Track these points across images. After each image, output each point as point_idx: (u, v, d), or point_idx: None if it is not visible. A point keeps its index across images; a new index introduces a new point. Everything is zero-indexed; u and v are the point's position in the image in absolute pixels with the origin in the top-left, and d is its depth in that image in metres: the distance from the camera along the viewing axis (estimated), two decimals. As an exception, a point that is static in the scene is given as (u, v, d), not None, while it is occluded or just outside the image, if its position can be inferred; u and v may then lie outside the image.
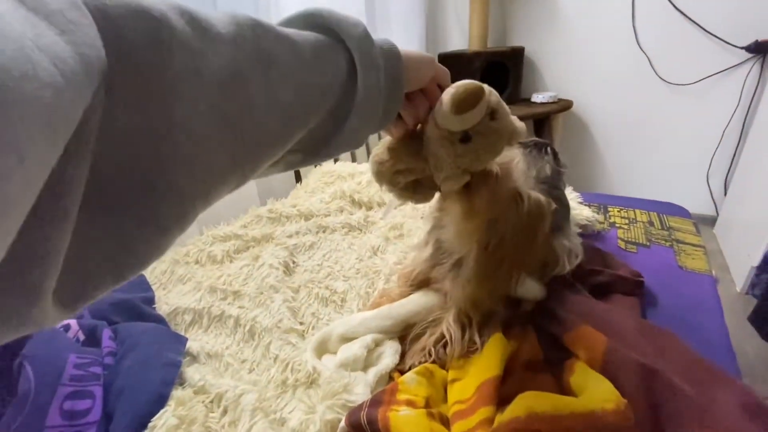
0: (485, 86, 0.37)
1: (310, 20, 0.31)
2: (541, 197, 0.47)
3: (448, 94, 0.36)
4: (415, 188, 0.45)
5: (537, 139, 0.67)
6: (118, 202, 0.20)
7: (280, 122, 0.27)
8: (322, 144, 0.33)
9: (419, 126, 0.43)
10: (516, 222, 0.46)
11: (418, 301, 0.60)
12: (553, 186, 0.64)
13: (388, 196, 0.76)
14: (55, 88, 0.14)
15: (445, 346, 0.54)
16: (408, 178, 0.43)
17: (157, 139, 0.21)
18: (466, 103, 0.36)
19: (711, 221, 1.69)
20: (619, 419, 0.35)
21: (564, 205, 0.65)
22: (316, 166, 1.29)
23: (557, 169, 0.65)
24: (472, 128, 0.37)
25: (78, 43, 0.16)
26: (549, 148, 0.67)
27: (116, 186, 0.20)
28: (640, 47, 1.64)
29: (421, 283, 0.63)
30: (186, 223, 0.24)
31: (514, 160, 0.50)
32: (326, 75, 0.30)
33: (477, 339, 0.52)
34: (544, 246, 0.50)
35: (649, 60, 1.64)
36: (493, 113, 0.38)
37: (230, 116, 0.24)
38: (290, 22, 0.31)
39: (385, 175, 0.43)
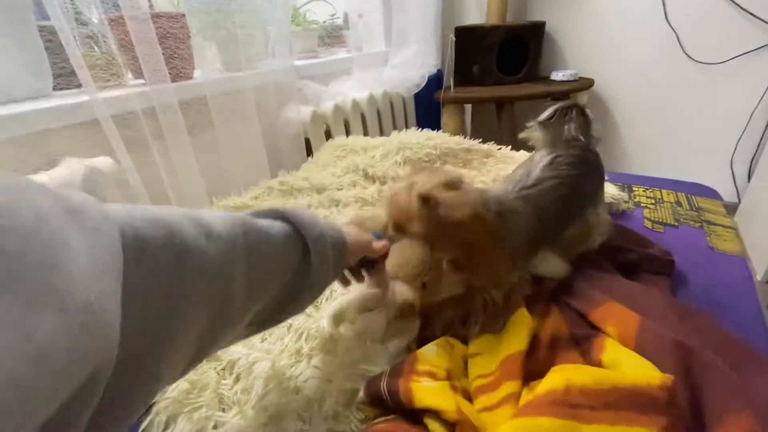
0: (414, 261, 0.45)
1: (279, 215, 0.39)
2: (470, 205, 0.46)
3: (389, 268, 0.46)
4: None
5: (561, 103, 0.62)
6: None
7: (248, 300, 0.33)
8: (276, 313, 0.39)
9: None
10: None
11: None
12: (585, 148, 0.59)
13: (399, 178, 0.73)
14: None
15: (466, 323, 0.51)
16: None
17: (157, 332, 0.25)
18: (405, 277, 0.45)
19: (732, 208, 1.64)
20: (665, 395, 0.32)
21: (596, 169, 0.60)
22: (327, 140, 1.26)
23: (586, 130, 0.60)
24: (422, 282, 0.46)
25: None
26: (574, 111, 0.62)
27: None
28: (669, 23, 1.56)
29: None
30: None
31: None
32: (287, 261, 0.38)
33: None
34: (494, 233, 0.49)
35: (678, 37, 1.56)
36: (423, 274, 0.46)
37: (215, 302, 0.29)
38: (265, 214, 0.39)
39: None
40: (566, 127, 0.61)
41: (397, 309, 0.51)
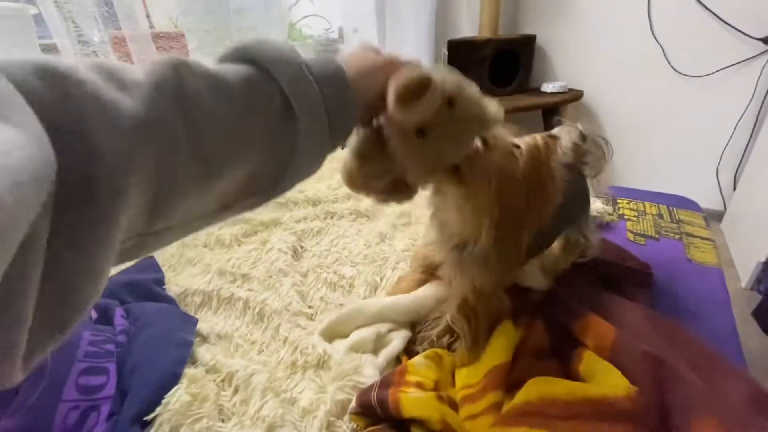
0: (436, 73, 0.33)
1: (239, 54, 0.29)
2: (539, 138, 0.41)
3: (391, 86, 0.32)
4: (393, 189, 0.40)
5: (576, 127, 0.63)
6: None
7: (205, 168, 0.26)
8: (274, 184, 0.32)
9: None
10: (518, 183, 0.40)
11: (430, 292, 0.60)
12: (571, 170, 0.59)
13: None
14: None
15: (452, 339, 0.53)
16: (383, 179, 0.38)
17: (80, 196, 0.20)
18: (409, 94, 0.32)
19: (718, 216, 1.68)
20: (631, 406, 0.35)
21: (580, 191, 0.62)
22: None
23: (580, 152, 0.62)
24: (427, 121, 0.33)
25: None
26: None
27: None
28: (655, 37, 1.61)
29: (431, 265, 0.63)
30: (98, 279, 0.23)
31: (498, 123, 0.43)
32: (258, 116, 0.28)
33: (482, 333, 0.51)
34: (558, 189, 0.43)
35: (663, 50, 1.61)
36: (451, 101, 0.33)
37: (150, 163, 0.23)
38: (225, 57, 0.30)
39: (358, 181, 0.38)
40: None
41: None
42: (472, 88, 0.36)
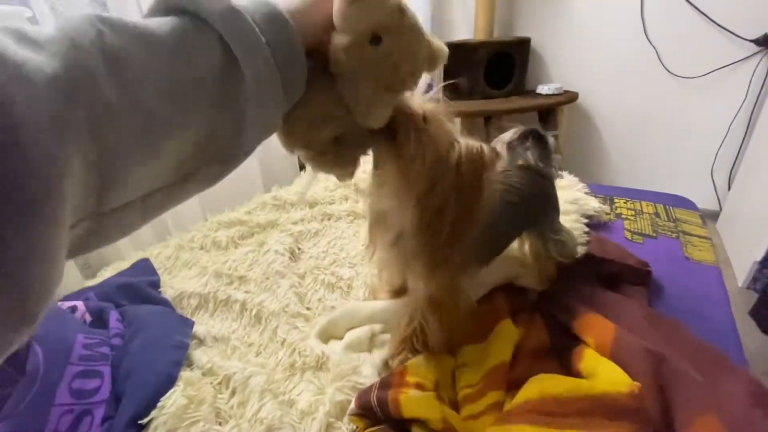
0: None
1: (165, 5, 0.27)
2: (481, 145, 0.41)
3: None
4: (336, 150, 0.37)
5: (523, 128, 0.63)
6: None
7: (146, 126, 0.24)
8: (233, 145, 0.29)
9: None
10: (452, 172, 0.40)
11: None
12: (537, 173, 0.60)
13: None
14: None
15: (423, 336, 0.51)
16: (325, 131, 0.35)
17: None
18: None
19: (714, 216, 1.69)
20: (633, 402, 0.35)
21: (544, 194, 0.61)
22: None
23: (541, 157, 0.61)
24: (379, 25, 0.31)
25: None
26: (532, 135, 0.62)
27: None
28: (648, 39, 1.62)
29: (393, 287, 0.61)
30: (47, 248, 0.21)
31: (441, 109, 0.43)
32: (195, 66, 0.25)
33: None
34: (487, 202, 0.42)
35: (657, 52, 1.62)
36: (401, 10, 0.32)
37: (80, 123, 0.21)
38: (151, 10, 0.27)
39: (297, 132, 0.35)
40: (527, 152, 0.61)
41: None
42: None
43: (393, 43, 0.32)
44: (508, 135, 0.62)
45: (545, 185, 0.61)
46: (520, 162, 0.60)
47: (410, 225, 0.41)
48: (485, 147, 0.41)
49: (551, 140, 0.62)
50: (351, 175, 0.40)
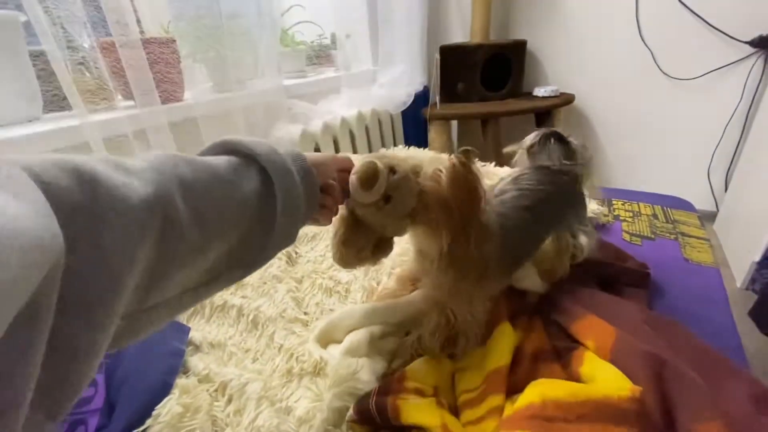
0: (378, 157, 0.45)
1: (221, 147, 0.37)
2: (452, 159, 0.45)
3: (352, 181, 0.44)
4: (377, 250, 0.51)
5: (544, 129, 0.65)
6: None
7: (201, 235, 0.30)
8: (258, 253, 0.37)
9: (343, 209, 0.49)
10: (446, 200, 0.45)
11: (418, 296, 0.59)
12: (557, 172, 0.60)
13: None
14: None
15: (448, 339, 0.52)
16: (368, 249, 0.50)
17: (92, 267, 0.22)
18: (369, 180, 0.43)
19: (711, 217, 1.69)
20: (635, 406, 0.34)
21: (565, 191, 0.61)
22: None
23: (565, 157, 0.61)
24: (388, 191, 0.44)
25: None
26: (553, 138, 0.63)
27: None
28: (644, 41, 1.63)
29: (416, 281, 0.62)
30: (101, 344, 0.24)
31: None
32: (242, 189, 0.34)
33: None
34: (483, 191, 0.47)
35: (653, 54, 1.63)
36: (393, 169, 0.45)
37: (157, 234, 0.26)
38: (205, 150, 0.37)
39: (352, 261, 0.50)
40: (549, 154, 0.62)
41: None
42: (402, 153, 0.44)
43: (398, 195, 0.45)
44: (529, 139, 0.63)
45: (565, 182, 0.60)
46: (538, 163, 0.61)
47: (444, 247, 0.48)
48: (454, 159, 0.45)
49: (573, 140, 0.63)
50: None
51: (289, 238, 0.39)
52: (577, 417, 0.34)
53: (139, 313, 0.27)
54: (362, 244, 0.49)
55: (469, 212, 0.45)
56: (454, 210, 0.45)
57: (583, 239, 0.62)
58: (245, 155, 0.36)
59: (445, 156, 0.48)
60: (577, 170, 0.62)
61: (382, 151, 0.48)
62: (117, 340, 0.26)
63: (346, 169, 0.46)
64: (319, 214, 0.45)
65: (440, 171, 0.45)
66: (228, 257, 0.34)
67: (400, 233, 0.50)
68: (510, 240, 0.52)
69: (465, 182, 0.44)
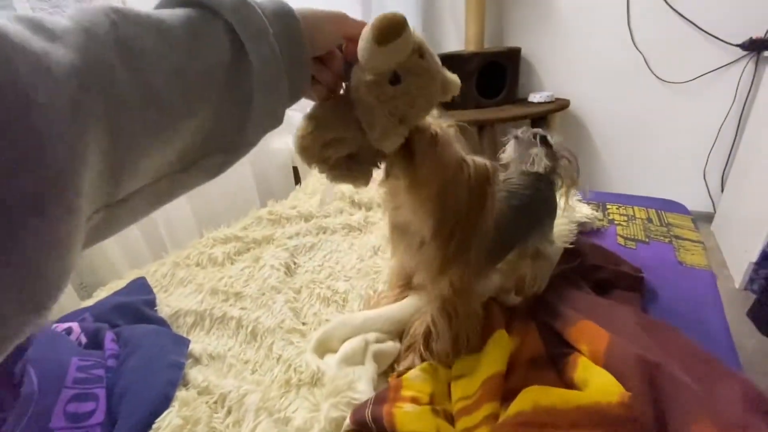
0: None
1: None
2: (486, 161, 0.44)
3: (368, 26, 0.33)
4: (349, 165, 0.40)
5: (531, 129, 0.65)
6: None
7: (159, 116, 0.24)
8: (237, 135, 0.30)
9: (343, 89, 0.39)
10: (463, 188, 0.43)
11: (412, 302, 0.60)
12: (538, 178, 0.62)
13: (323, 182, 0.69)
14: None
15: (431, 340, 0.53)
16: (340, 151, 0.38)
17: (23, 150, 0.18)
18: (389, 31, 0.32)
19: (708, 218, 1.70)
20: (624, 411, 0.35)
21: (545, 199, 0.62)
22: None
23: (548, 162, 0.62)
24: (400, 66, 0.34)
25: None
26: (539, 137, 0.64)
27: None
28: (636, 46, 1.65)
29: (408, 277, 0.63)
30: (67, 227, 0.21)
31: (451, 128, 0.46)
32: (205, 55, 0.26)
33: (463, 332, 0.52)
34: (491, 211, 0.46)
35: (645, 59, 1.65)
36: (420, 51, 0.35)
37: (97, 112, 0.21)
38: (161, 3, 0.29)
39: (312, 149, 0.37)
40: (535, 150, 0.63)
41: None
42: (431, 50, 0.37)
43: (411, 82, 0.35)
44: (519, 131, 0.65)
45: (544, 188, 0.62)
46: (522, 168, 0.63)
47: (428, 234, 0.45)
48: (489, 164, 0.44)
49: (553, 139, 0.64)
50: (365, 185, 0.42)
51: (273, 117, 0.31)
52: (568, 423, 0.35)
53: (114, 206, 0.24)
54: (335, 135, 0.37)
55: (473, 218, 0.43)
56: (459, 201, 0.41)
57: (551, 249, 0.64)
58: (209, 8, 0.27)
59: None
60: (559, 173, 0.63)
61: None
62: (98, 234, 0.24)
63: (354, 37, 0.34)
64: (313, 89, 0.37)
65: (465, 161, 0.42)
66: (203, 140, 0.28)
67: (387, 141, 0.38)
68: (498, 235, 0.52)
69: (487, 190, 0.42)
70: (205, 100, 0.27)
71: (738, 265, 1.39)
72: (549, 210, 0.64)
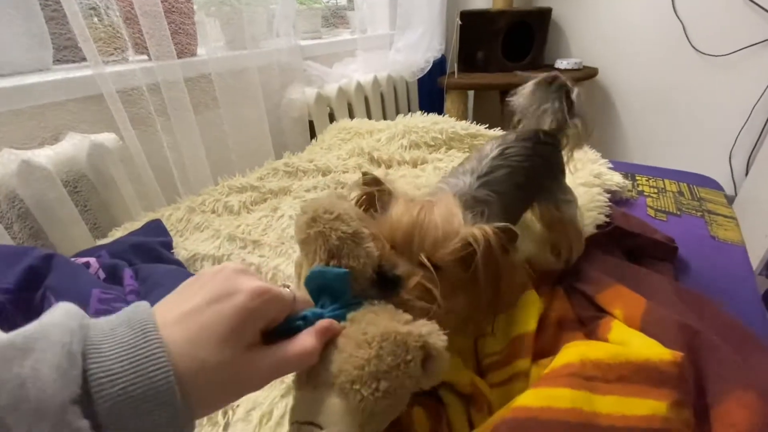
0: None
1: None
2: (488, 232, 0.37)
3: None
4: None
5: (553, 75, 0.59)
6: None
7: None
8: None
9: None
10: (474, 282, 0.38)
11: None
12: (538, 141, 0.56)
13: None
14: None
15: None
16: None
17: None
18: None
19: (729, 201, 1.66)
20: (676, 370, 0.34)
21: (550, 162, 0.58)
22: (332, 122, 1.25)
23: (560, 118, 0.57)
24: None
25: None
26: (557, 83, 0.58)
27: None
28: (677, 14, 1.55)
29: None
30: None
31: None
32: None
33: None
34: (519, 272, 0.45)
35: (684, 28, 1.55)
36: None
37: None
38: None
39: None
40: (550, 102, 0.58)
41: None
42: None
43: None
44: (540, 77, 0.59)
45: (548, 151, 0.58)
46: (519, 133, 0.58)
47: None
48: (491, 232, 0.37)
49: (576, 92, 0.59)
50: None
51: None
52: (617, 378, 0.33)
53: None
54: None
55: (491, 292, 0.38)
56: (472, 290, 0.37)
57: (567, 210, 0.58)
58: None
59: (458, 211, 0.38)
60: (567, 133, 0.59)
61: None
62: None
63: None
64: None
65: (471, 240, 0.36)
66: None
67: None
68: (510, 220, 0.47)
69: (496, 267, 0.36)
70: None
71: (756, 251, 1.37)
72: (555, 174, 0.59)
